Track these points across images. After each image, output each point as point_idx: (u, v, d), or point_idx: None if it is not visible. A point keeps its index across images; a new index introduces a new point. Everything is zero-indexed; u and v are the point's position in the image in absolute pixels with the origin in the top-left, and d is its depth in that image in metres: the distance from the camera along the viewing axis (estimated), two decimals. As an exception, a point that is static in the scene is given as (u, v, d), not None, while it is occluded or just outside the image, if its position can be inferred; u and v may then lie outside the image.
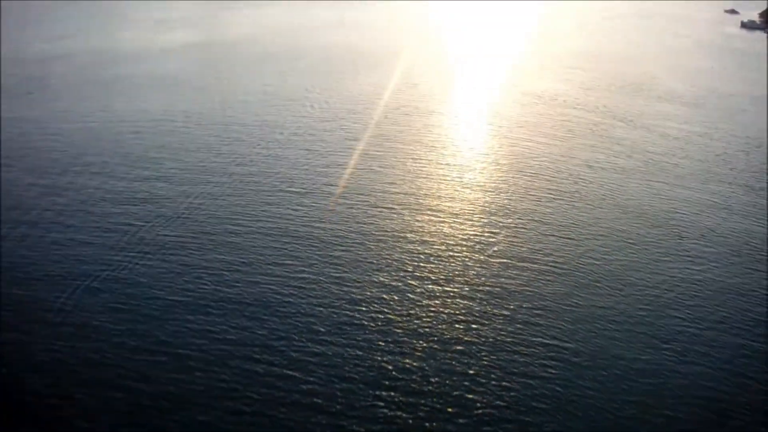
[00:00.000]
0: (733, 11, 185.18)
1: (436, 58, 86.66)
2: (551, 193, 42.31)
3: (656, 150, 52.87)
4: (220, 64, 79.30)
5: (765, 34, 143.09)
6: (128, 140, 50.03)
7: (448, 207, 39.57)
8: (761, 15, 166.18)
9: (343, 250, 33.88)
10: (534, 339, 27.09)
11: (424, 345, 26.53)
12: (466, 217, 38.39)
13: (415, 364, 25.40)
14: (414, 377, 24.64)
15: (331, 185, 42.22)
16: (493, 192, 42.10)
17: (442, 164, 46.80)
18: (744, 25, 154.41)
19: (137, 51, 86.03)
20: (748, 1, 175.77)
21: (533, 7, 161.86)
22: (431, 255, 33.72)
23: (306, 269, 31.94)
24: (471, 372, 24.99)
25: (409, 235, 35.87)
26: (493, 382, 24.48)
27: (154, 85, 67.69)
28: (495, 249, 34.59)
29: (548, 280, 31.75)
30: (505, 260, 33.42)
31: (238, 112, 57.99)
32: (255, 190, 41.26)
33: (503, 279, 31.64)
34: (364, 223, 37.04)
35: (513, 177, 44.74)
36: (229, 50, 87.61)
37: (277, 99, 62.29)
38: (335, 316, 28.19)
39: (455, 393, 23.84)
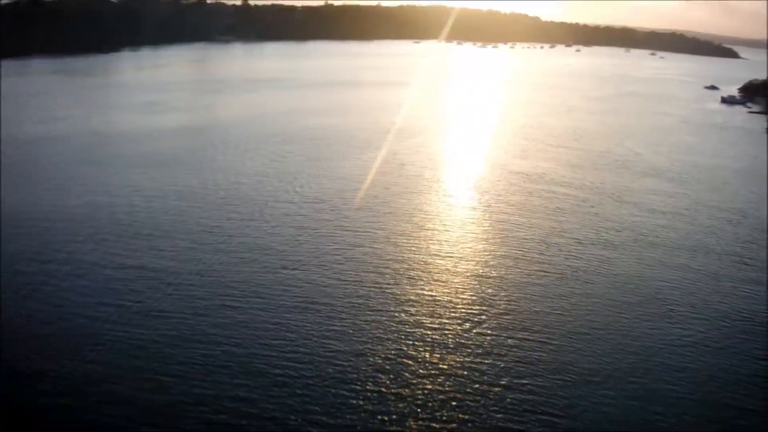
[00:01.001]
0: (713, 87, 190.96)
1: (422, 139, 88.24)
2: (542, 269, 42.69)
3: (644, 224, 53.56)
4: (211, 145, 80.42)
5: (745, 109, 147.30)
6: (123, 218, 50.68)
7: (439, 282, 39.85)
8: (740, 90, 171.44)
9: (335, 324, 34.20)
10: (529, 406, 27.46)
11: (423, 414, 26.86)
12: (458, 289, 38.80)
13: (414, 426, 25.91)
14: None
15: (323, 262, 42.57)
16: (485, 268, 42.41)
17: (432, 241, 47.31)
18: (724, 101, 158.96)
19: (130, 133, 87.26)
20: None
21: (515, 89, 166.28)
22: (427, 326, 34.10)
23: (301, 342, 32.30)
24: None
25: (402, 308, 36.22)
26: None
27: (147, 165, 68.44)
28: (486, 320, 34.88)
29: (541, 350, 32.14)
30: (497, 333, 33.68)
31: (229, 192, 58.73)
32: (246, 269, 41.44)
33: (496, 350, 32.03)
34: (356, 297, 37.45)
35: (503, 253, 45.16)
36: (219, 133, 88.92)
37: (267, 180, 63.05)
38: (332, 392, 28.25)
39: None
